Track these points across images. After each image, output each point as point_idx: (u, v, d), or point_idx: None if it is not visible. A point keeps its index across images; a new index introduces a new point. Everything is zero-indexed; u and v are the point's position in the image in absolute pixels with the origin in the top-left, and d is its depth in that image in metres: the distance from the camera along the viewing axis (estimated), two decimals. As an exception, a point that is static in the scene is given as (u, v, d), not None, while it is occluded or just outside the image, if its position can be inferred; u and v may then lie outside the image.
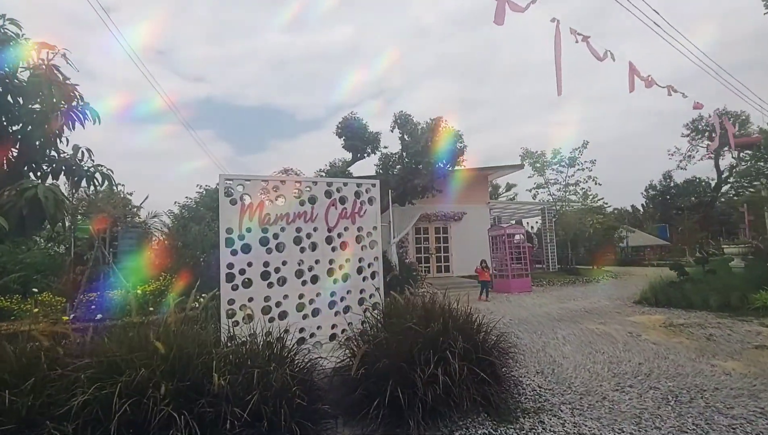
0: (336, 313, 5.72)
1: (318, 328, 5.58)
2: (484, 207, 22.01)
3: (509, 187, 39.77)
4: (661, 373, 5.92)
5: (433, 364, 4.07)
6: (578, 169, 21.87)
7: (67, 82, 5.10)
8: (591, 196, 23.41)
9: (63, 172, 5.54)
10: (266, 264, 5.37)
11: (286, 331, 4.71)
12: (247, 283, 5.28)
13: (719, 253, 16.66)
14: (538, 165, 22.38)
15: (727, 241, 32.31)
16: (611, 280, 20.61)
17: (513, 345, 5.39)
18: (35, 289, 11.55)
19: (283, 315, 5.45)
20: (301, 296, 5.54)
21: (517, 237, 17.51)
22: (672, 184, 39.60)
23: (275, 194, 5.52)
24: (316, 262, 5.65)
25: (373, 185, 6.12)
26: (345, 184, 5.94)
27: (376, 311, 5.52)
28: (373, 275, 6.00)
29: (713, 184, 38.22)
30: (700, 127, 36.25)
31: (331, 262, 5.75)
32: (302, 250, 5.61)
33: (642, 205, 45.12)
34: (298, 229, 5.60)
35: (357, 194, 6.00)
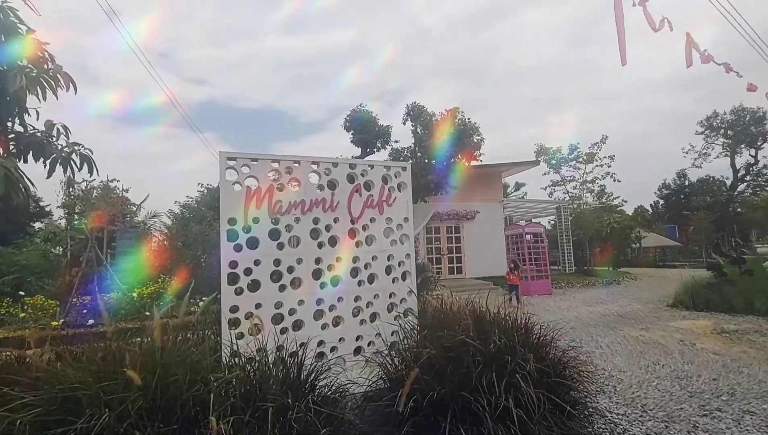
0: (361, 322, 4.72)
1: (340, 340, 4.58)
2: (497, 205, 21.00)
3: (518, 186, 38.60)
4: (746, 392, 4.99)
5: (501, 391, 3.08)
6: (596, 166, 20.83)
7: (33, 37, 4.12)
8: (607, 195, 22.37)
9: (32, 152, 4.55)
10: (277, 262, 4.38)
11: (303, 344, 3.72)
12: (254, 286, 4.28)
13: (750, 252, 15.64)
14: (553, 161, 21.36)
15: (746, 241, 31.24)
16: (632, 281, 19.58)
17: (586, 363, 4.39)
18: (22, 292, 10.73)
19: (297, 325, 4.45)
20: (319, 302, 4.54)
21: (535, 236, 16.50)
22: (687, 183, 38.46)
23: (288, 178, 4.53)
24: (337, 259, 4.65)
25: (404, 169, 5.13)
26: (371, 167, 4.94)
27: (409, 318, 4.53)
28: (404, 276, 5.00)
29: (729, 182, 37.15)
30: (714, 124, 35.18)
31: (355, 259, 4.76)
32: (320, 245, 4.62)
33: (651, 204, 44.09)
34: (316, 220, 4.60)
35: (385, 179, 5.01)
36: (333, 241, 4.69)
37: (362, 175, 4.88)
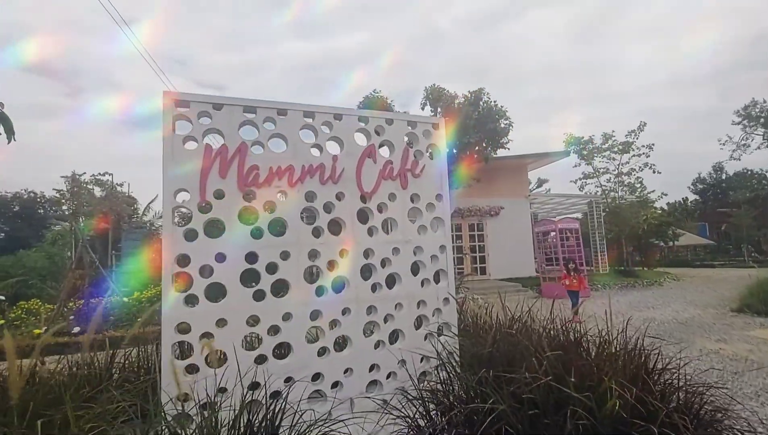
0: (377, 344, 3.24)
1: (346, 372, 3.10)
2: (523, 201, 19.28)
3: (541, 182, 36.45)
4: None
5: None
6: (633, 156, 18.87)
7: None
8: (640, 188, 20.37)
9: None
10: (252, 257, 2.93)
11: (290, 380, 2.27)
12: (215, 293, 2.84)
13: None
14: (585, 152, 19.50)
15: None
16: (674, 282, 17.66)
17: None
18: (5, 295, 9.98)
19: (282, 350, 3.00)
20: (315, 315, 3.07)
21: (569, 233, 14.79)
22: (723, 177, 35.87)
23: (269, 133, 3.08)
24: (342, 253, 3.18)
25: (437, 126, 3.62)
26: (389, 123, 3.45)
27: (448, 339, 3.03)
28: (437, 277, 3.49)
29: (770, 175, 34.49)
30: (753, 113, 32.62)
31: (367, 254, 3.28)
32: (317, 232, 3.16)
33: (681, 200, 41.47)
34: (310, 196, 3.14)
35: (410, 141, 3.53)
36: (335, 227, 3.22)
37: (377, 133, 3.40)
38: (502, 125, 13.04)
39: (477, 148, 13.62)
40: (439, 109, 13.30)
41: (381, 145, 3.40)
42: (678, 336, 7.64)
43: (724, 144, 32.82)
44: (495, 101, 12.94)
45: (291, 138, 3.12)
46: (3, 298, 9.86)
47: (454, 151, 13.60)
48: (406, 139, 3.47)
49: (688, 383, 2.48)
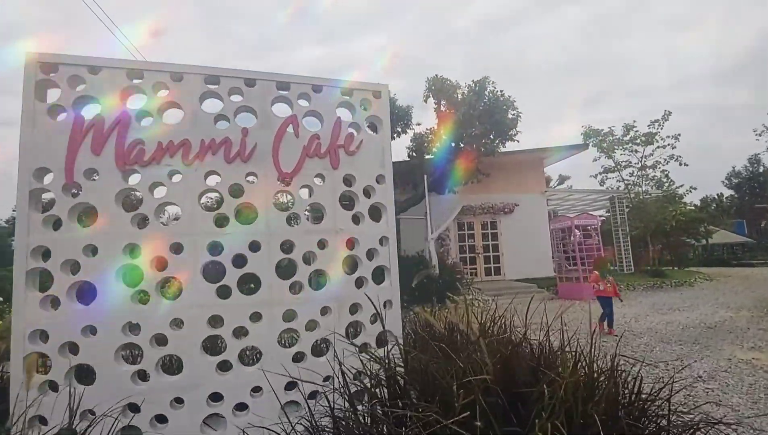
0: (296, 356, 2.66)
1: (255, 391, 2.53)
2: (539, 197, 18.28)
3: (562, 179, 34.98)
4: None
5: None
6: (657, 147, 17.52)
7: None
8: (669, 182, 18.98)
9: None
10: (131, 249, 2.40)
11: (181, 402, 1.72)
12: (84, 293, 2.32)
13: None
14: (604, 145, 18.24)
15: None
16: (706, 283, 16.33)
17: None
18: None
19: (171, 364, 2.46)
20: (215, 321, 2.52)
21: (587, 230, 13.80)
22: (761, 170, 33.42)
23: (161, 101, 2.55)
24: (253, 247, 2.62)
25: (378, 94, 3.01)
26: (317, 90, 2.87)
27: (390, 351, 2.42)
28: (376, 275, 2.89)
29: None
30: (794, 100, 30.37)
31: (286, 247, 2.71)
32: (220, 222, 2.61)
33: (716, 195, 39.03)
34: (210, 175, 2.60)
35: (350, 109, 2.94)
36: (244, 214, 2.65)
37: (301, 100, 2.82)
38: (510, 116, 12.21)
39: (483, 140, 12.84)
40: (443, 102, 12.61)
41: (306, 116, 2.82)
42: (704, 342, 6.76)
43: (760, 134, 30.61)
44: (501, 90, 12.14)
45: (189, 107, 2.58)
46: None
47: (461, 144, 12.89)
48: (337, 109, 2.88)
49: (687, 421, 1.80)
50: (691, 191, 18.83)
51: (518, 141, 13.20)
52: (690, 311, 9.97)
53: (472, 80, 12.12)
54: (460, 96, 12.04)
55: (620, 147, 18.28)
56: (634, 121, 17.96)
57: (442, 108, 12.78)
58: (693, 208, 21.53)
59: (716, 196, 39.00)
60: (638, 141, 17.87)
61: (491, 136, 12.83)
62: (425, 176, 13.30)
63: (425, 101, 13.10)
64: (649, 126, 17.73)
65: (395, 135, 14.52)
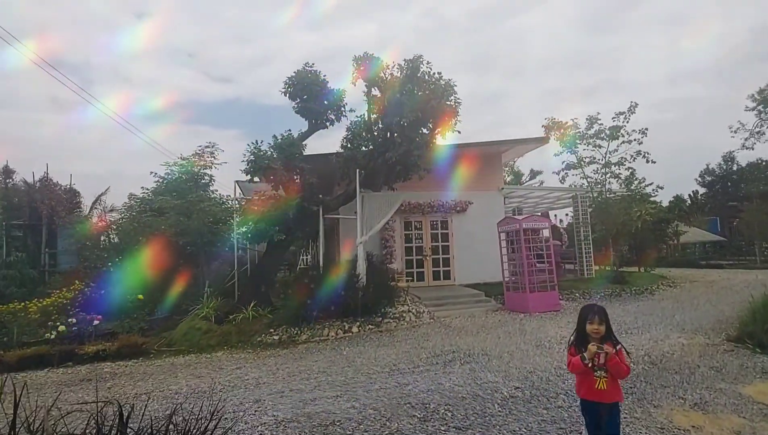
0: None
1: None
2: (496, 194, 16.77)
3: (534, 174, 33.65)
4: None
5: None
6: (623, 142, 16.07)
7: None
8: (637, 180, 17.63)
9: None
10: None
11: None
12: None
13: None
14: (567, 139, 16.73)
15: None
16: (669, 290, 15.08)
17: None
18: None
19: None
20: None
21: (536, 233, 12.31)
22: (735, 168, 32.57)
23: None
24: None
25: None
26: None
27: None
28: None
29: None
30: (770, 97, 29.39)
31: None
32: None
33: (690, 194, 38.30)
34: None
35: None
36: None
37: None
38: (448, 102, 10.53)
39: (423, 130, 11.19)
40: (373, 89, 10.86)
41: None
42: (639, 392, 5.27)
43: (735, 131, 29.71)
44: (439, 72, 10.43)
45: None
46: None
47: (394, 134, 11.21)
48: None
49: None
50: (657, 191, 17.46)
51: (459, 132, 11.59)
52: (639, 335, 8.55)
53: (404, 59, 10.38)
54: (387, 78, 10.30)
55: (583, 141, 16.82)
56: (598, 114, 16.37)
57: (373, 93, 11.05)
58: (662, 207, 20.30)
59: (692, 193, 38.28)
60: (602, 135, 16.41)
61: (429, 125, 11.19)
62: (358, 171, 11.64)
63: (354, 84, 11.32)
64: (613, 118, 16.22)
65: (327, 123, 12.74)
